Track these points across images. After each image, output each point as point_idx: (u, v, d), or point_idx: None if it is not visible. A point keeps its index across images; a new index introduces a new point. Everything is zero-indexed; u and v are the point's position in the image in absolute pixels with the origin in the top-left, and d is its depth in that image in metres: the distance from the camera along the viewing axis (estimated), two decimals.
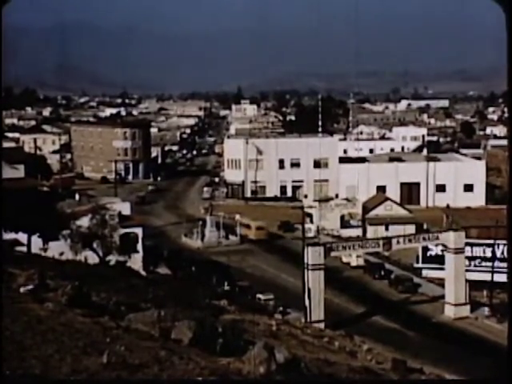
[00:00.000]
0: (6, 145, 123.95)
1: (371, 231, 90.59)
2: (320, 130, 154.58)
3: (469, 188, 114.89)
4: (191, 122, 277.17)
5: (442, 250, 64.47)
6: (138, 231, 66.60)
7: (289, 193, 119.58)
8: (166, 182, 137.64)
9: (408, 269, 72.65)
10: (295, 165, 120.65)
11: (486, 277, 63.39)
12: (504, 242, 61.14)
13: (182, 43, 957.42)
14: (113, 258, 53.89)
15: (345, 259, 74.97)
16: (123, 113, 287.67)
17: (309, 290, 56.60)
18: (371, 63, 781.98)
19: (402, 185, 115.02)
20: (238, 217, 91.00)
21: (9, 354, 11.58)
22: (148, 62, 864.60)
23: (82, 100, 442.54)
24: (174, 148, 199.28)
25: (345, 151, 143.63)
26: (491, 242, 63.85)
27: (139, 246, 65.54)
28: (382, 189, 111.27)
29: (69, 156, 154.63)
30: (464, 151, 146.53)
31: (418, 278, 69.77)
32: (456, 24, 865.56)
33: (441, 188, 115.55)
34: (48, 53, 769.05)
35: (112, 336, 13.90)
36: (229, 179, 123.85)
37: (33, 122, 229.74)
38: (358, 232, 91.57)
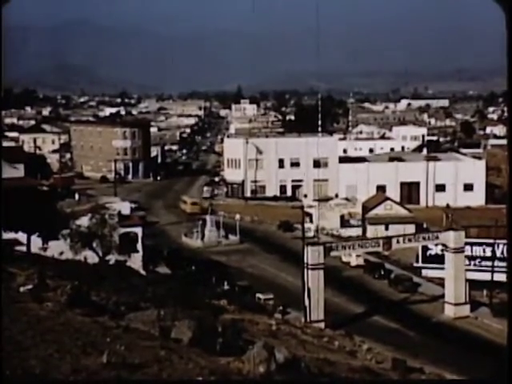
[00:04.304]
0: (5, 144, 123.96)
1: (371, 231, 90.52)
2: (320, 129, 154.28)
3: (469, 187, 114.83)
4: (191, 121, 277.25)
5: (442, 250, 64.41)
6: (138, 231, 66.57)
7: (288, 192, 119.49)
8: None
9: (408, 268, 72.58)
10: (295, 164, 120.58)
11: (486, 276, 63.35)
12: (504, 241, 61.05)
13: (181, 43, 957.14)
14: (112, 258, 53.89)
15: (344, 259, 74.93)
16: (123, 112, 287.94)
17: (308, 289, 56.54)
18: (371, 63, 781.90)
19: (402, 184, 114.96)
20: (237, 216, 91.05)
21: (9, 354, 11.57)
22: (148, 61, 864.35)
23: (82, 99, 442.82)
24: (174, 147, 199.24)
25: (344, 151, 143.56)
26: (491, 241, 63.81)
27: (139, 246, 65.52)
28: (381, 188, 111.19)
29: (68, 155, 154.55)
30: (464, 151, 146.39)
31: (417, 277, 69.69)
32: (456, 24, 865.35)
33: (441, 187, 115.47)
34: (48, 52, 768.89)
35: (112, 335, 13.89)
36: (229, 179, 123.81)
37: (32, 122, 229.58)
38: (357, 231, 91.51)
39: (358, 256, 73.98)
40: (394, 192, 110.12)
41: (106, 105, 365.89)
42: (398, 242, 61.66)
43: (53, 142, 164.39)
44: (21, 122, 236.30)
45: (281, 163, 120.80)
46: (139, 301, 24.01)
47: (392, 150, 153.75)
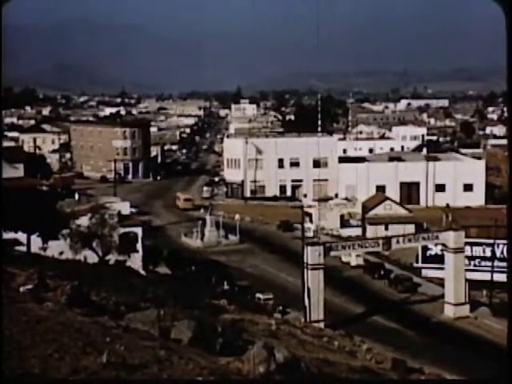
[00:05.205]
0: (5, 144, 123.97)
1: (371, 231, 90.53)
2: (319, 129, 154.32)
3: (468, 187, 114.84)
4: (191, 121, 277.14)
5: (442, 250, 64.45)
6: (138, 231, 66.54)
7: (288, 192, 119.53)
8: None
9: (408, 268, 72.64)
10: (295, 164, 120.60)
11: (486, 276, 63.41)
12: (504, 241, 61.13)
13: (181, 43, 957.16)
14: (112, 258, 53.82)
15: (344, 259, 74.94)
16: (123, 112, 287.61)
17: (308, 289, 56.57)
18: (371, 63, 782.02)
19: (402, 184, 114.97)
20: (237, 216, 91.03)
21: (8, 354, 11.55)
22: (147, 61, 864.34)
23: (82, 99, 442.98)
24: (174, 147, 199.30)
25: (344, 151, 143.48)
26: (491, 241, 63.88)
27: (139, 246, 65.46)
28: (381, 188, 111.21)
29: (68, 155, 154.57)
30: (464, 151, 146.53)
31: (417, 277, 69.74)
32: (456, 24, 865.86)
33: (440, 187, 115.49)
34: (48, 52, 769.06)
35: (111, 335, 13.87)
36: (228, 179, 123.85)
37: (32, 121, 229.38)
38: (357, 231, 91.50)
39: (357, 256, 74.02)
40: (393, 192, 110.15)
41: (105, 105, 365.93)
42: (397, 242, 61.68)
43: (53, 142, 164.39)
44: (21, 122, 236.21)
45: (280, 163, 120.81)
46: (139, 301, 24.00)
47: (392, 149, 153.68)
